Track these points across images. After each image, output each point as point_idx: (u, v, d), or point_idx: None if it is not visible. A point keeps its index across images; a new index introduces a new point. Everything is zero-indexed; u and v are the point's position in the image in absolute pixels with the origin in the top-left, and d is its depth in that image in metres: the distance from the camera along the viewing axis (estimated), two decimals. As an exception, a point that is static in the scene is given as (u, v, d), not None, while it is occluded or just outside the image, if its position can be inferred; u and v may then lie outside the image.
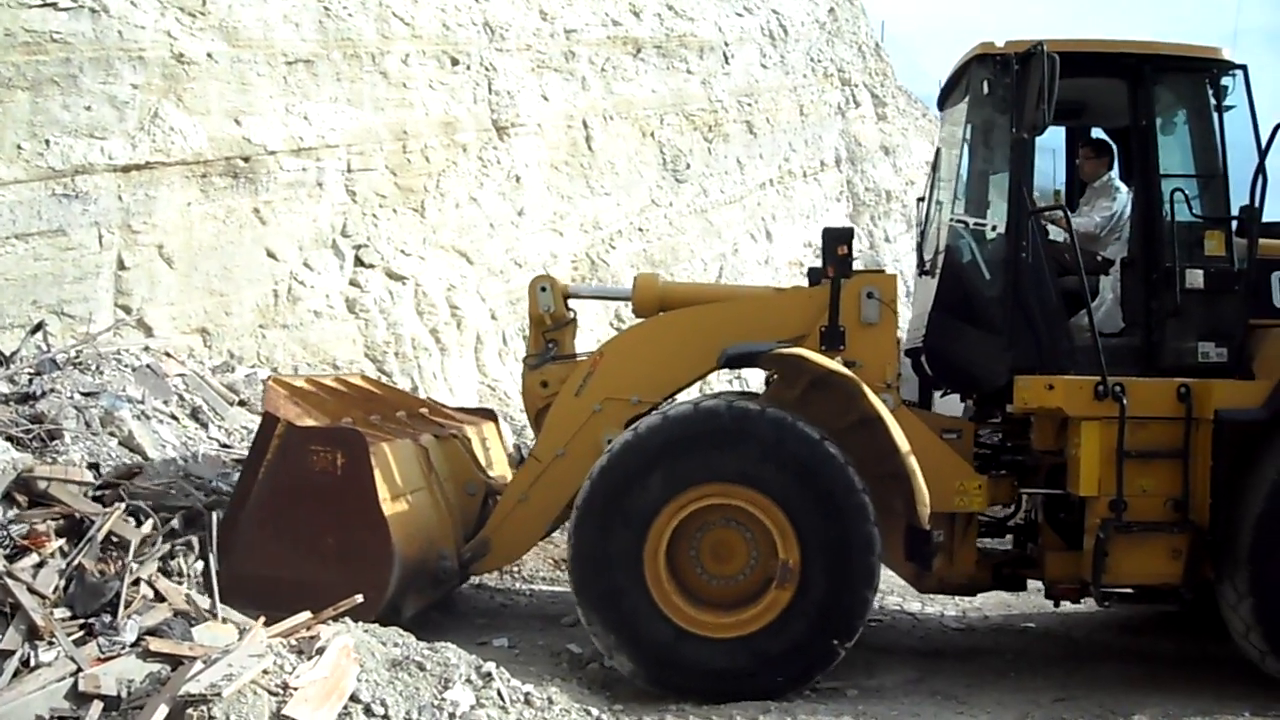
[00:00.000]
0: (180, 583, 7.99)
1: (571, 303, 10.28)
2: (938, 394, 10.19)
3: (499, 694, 7.21)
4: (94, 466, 8.96)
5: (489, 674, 7.31)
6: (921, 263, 10.46)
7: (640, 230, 20.61)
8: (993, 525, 10.14)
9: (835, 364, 8.68)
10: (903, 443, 8.50)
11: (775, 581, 8.41)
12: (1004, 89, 9.18)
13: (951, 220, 9.66)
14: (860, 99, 27.42)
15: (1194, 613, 9.88)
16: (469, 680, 7.19)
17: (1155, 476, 8.88)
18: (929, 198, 10.41)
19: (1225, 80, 9.38)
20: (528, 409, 10.25)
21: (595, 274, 19.15)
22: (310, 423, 8.83)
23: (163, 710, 5.87)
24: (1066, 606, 10.16)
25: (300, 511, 8.50)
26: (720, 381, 15.44)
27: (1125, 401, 8.80)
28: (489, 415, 11.60)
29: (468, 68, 16.96)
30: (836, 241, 9.17)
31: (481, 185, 17.03)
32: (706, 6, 22.99)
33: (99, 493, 8.63)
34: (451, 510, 9.58)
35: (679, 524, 8.54)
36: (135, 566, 7.70)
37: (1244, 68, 9.33)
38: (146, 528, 8.24)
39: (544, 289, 10.01)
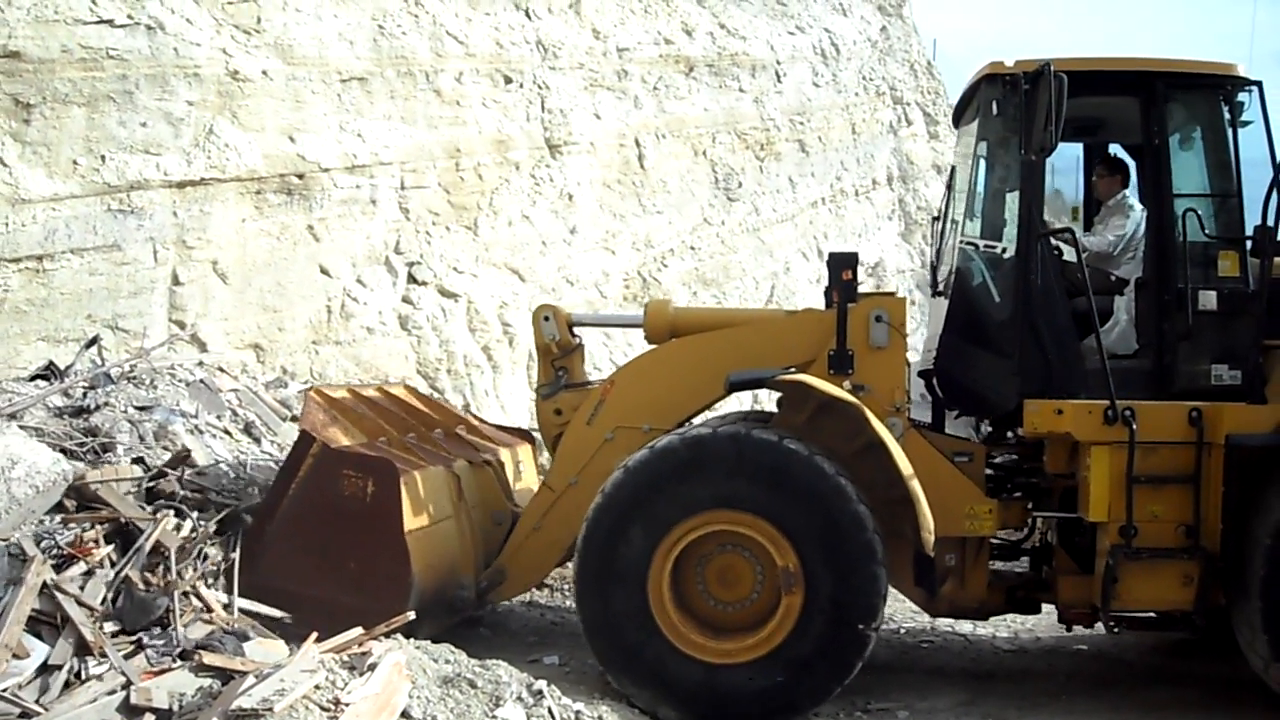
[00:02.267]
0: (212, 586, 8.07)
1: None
2: (951, 415, 10.10)
3: (550, 712, 7.20)
4: (139, 461, 9.04)
5: (540, 692, 7.30)
6: (935, 284, 10.40)
7: (692, 249, 20.58)
8: (1007, 548, 10.07)
9: (838, 389, 8.68)
10: (906, 468, 8.46)
11: (782, 589, 8.36)
12: (1013, 109, 9.08)
13: (962, 242, 9.60)
14: (912, 117, 27.33)
15: (1220, 637, 9.75)
16: (520, 698, 7.18)
17: (1166, 502, 8.76)
18: (944, 217, 10.33)
19: (1241, 97, 9.25)
20: (544, 437, 10.28)
21: (647, 292, 19.12)
22: (346, 443, 8.93)
23: (215, 724, 5.87)
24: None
25: (326, 532, 8.61)
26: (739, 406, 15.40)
27: (1135, 426, 8.68)
28: (526, 436, 11.60)
29: (520, 86, 16.99)
30: (842, 266, 9.25)
31: (534, 203, 17.05)
32: (759, 25, 22.98)
33: (152, 483, 8.76)
34: (476, 539, 9.62)
35: (676, 563, 8.55)
36: (181, 579, 7.74)
37: (1259, 84, 9.18)
38: (186, 529, 8.30)
39: (547, 318, 10.09)
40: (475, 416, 12.15)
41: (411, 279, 14.94)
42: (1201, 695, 9.13)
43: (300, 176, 13.39)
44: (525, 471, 11.05)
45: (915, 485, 8.44)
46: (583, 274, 17.85)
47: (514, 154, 16.77)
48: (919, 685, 9.63)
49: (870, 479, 8.51)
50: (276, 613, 8.18)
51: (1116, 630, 9.30)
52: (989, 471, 9.70)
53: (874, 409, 8.72)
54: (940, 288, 10.03)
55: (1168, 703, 9.08)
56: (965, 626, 11.34)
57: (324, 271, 13.68)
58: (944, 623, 11.44)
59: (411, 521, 8.61)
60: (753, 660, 8.40)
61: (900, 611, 11.12)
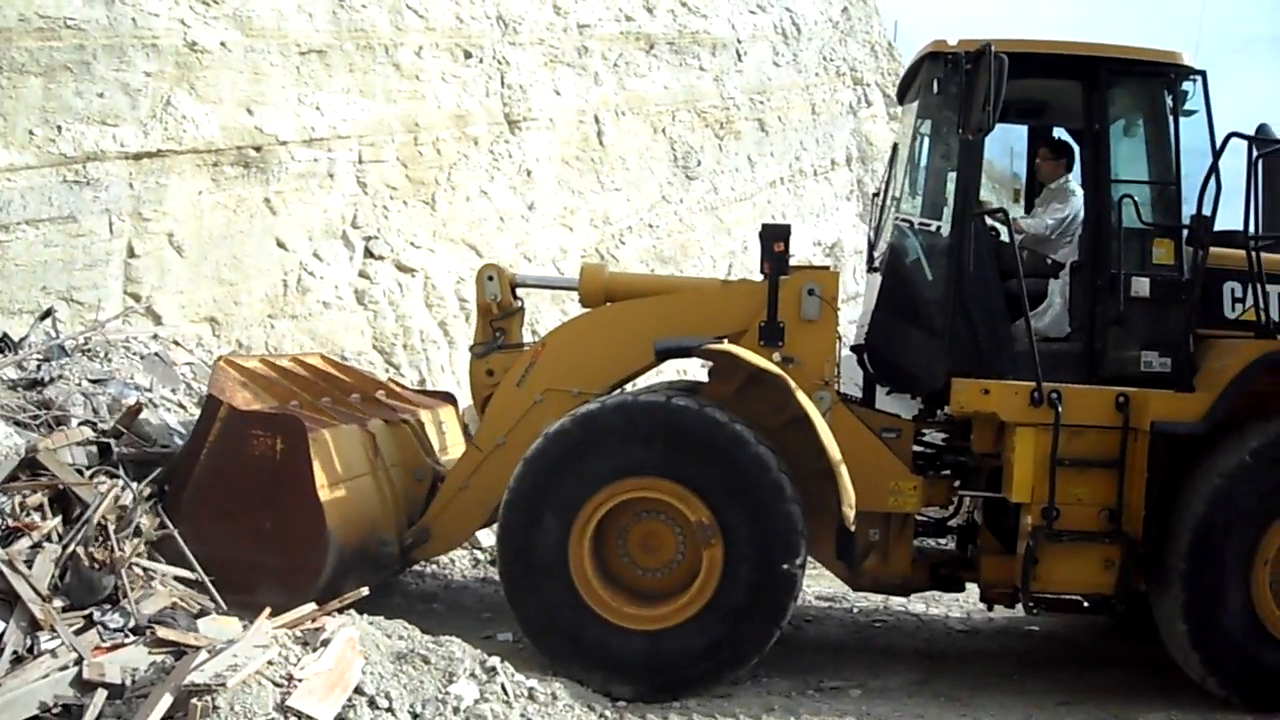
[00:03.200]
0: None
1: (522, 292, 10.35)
2: (883, 390, 10.16)
3: (503, 688, 7.23)
4: (89, 424, 9.03)
5: (493, 668, 7.33)
6: (871, 260, 10.43)
7: (650, 226, 20.59)
8: (933, 525, 10.17)
9: (764, 360, 8.71)
10: (829, 442, 8.52)
11: (702, 545, 8.41)
12: (954, 88, 9.09)
13: (897, 218, 9.63)
14: (872, 98, 27.38)
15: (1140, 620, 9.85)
16: (473, 674, 7.22)
17: (1090, 485, 8.86)
18: (884, 194, 10.36)
19: (1185, 86, 9.29)
20: (474, 397, 10.25)
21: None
22: (254, 406, 8.90)
23: (167, 700, 5.87)
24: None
25: (240, 494, 8.63)
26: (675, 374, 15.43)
27: (1060, 409, 8.76)
28: (448, 399, 11.61)
29: (480, 61, 16.95)
30: (774, 238, 9.25)
31: (492, 179, 17.03)
32: (720, 4, 22.95)
33: (105, 439, 8.81)
34: (396, 496, 9.65)
35: (597, 541, 8.64)
36: (123, 552, 7.74)
37: (1203, 73, 9.22)
38: (127, 498, 8.30)
39: (490, 278, 10.05)
40: (396, 383, 12.15)
41: (368, 253, 14.90)
42: (1152, 679, 9.21)
43: (257, 149, 13.33)
44: (448, 431, 11.08)
45: (838, 459, 8.49)
46: (540, 250, 17.83)
47: (473, 129, 16.73)
48: (872, 664, 9.71)
49: (797, 451, 8.57)
50: (204, 578, 8.19)
51: (1036, 611, 9.36)
52: (919, 449, 9.77)
53: (802, 382, 8.80)
54: (876, 264, 10.07)
55: (1119, 685, 9.18)
56: (918, 606, 11.43)
57: (280, 245, 13.63)
58: (897, 602, 11.54)
59: (324, 478, 8.65)
60: (690, 619, 8.45)
61: (854, 591, 11.19)
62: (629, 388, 9.77)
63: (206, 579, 8.08)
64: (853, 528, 8.66)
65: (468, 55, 16.75)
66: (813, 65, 25.72)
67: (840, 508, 8.48)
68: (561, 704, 7.64)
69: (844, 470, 8.48)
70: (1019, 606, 9.40)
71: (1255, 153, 8.92)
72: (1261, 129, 9.41)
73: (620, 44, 20.14)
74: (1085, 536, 8.86)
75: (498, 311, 10.10)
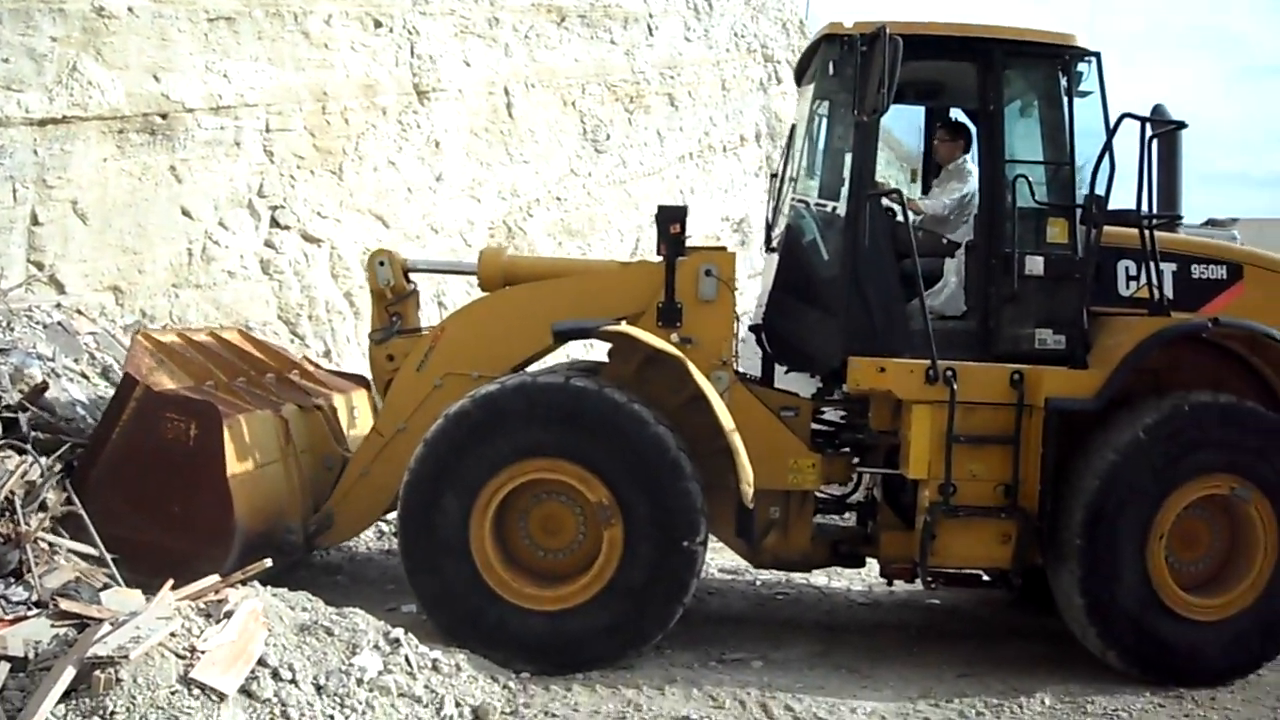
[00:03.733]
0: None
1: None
2: (782, 370, 10.28)
3: (407, 660, 7.30)
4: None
5: (397, 640, 7.40)
6: (769, 240, 10.55)
7: (558, 199, 20.59)
8: (834, 503, 10.33)
9: (660, 341, 8.82)
10: (726, 420, 8.63)
11: (603, 525, 8.52)
12: (850, 69, 9.18)
13: (794, 199, 9.75)
14: (783, 75, 27.43)
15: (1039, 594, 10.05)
16: (377, 646, 7.27)
17: (986, 461, 9.04)
18: (782, 175, 10.47)
19: (1080, 68, 9.44)
20: (375, 383, 10.34)
21: (512, 242, 19.13)
22: (170, 386, 8.87)
23: (70, 672, 5.88)
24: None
25: (150, 476, 8.63)
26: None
27: (955, 386, 8.92)
28: (362, 382, 11.60)
29: (390, 30, 16.84)
30: (669, 220, 9.35)
31: (400, 149, 16.95)
32: (632, -23, 22.95)
33: (12, 414, 8.79)
34: (305, 483, 9.70)
35: (498, 522, 8.74)
36: (29, 527, 7.70)
37: (1098, 55, 9.39)
38: (35, 473, 8.26)
39: (382, 263, 10.11)
40: (311, 361, 12.12)
41: (274, 223, 14.80)
42: (1051, 652, 9.42)
43: (164, 116, 13.20)
44: (360, 417, 11.09)
45: (735, 437, 8.61)
46: (448, 222, 17.79)
47: (381, 99, 16.65)
48: (773, 636, 9.85)
49: (696, 431, 8.70)
50: (106, 555, 8.17)
51: (934, 585, 9.59)
52: (818, 427, 9.92)
53: (700, 362, 8.90)
54: (774, 244, 10.19)
55: (1018, 658, 9.36)
56: (820, 579, 11.60)
57: (186, 214, 13.51)
58: (799, 575, 11.70)
59: (235, 465, 8.67)
60: (592, 599, 8.56)
61: (755, 568, 11.32)
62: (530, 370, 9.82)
63: (108, 556, 8.06)
64: (751, 505, 8.80)
65: (377, 24, 16.65)
66: (724, 41, 25.77)
67: (739, 485, 8.60)
68: (465, 675, 7.73)
69: (741, 448, 8.60)
70: (919, 581, 9.55)
71: (1148, 132, 9.11)
72: (1157, 109, 9.61)
73: (531, 16, 20.09)
74: (982, 512, 9.06)
75: (392, 296, 10.13)
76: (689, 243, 9.47)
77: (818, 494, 9.88)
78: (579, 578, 8.61)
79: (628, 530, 8.48)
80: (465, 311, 10.21)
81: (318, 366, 11.95)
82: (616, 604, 8.52)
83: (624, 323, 9.04)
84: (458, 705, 7.34)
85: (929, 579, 9.39)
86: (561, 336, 9.26)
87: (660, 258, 9.39)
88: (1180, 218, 10.10)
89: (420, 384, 9.59)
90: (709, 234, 23.76)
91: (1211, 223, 10.77)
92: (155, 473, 8.63)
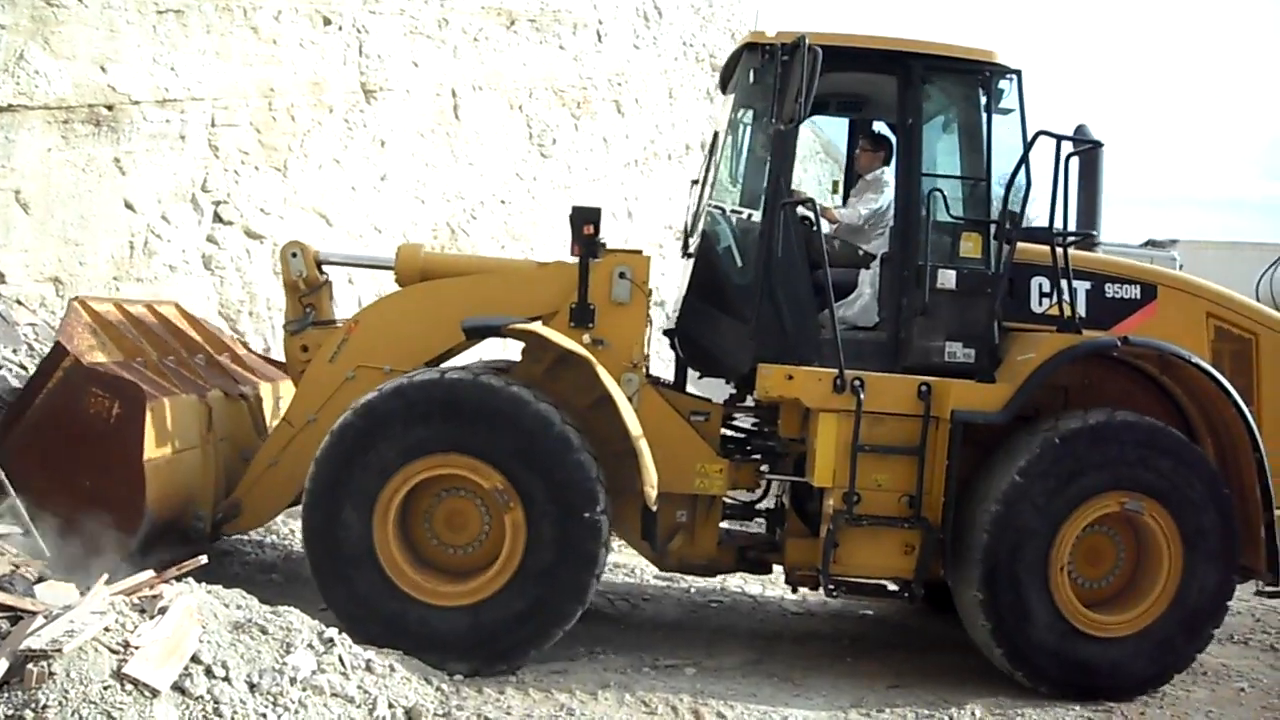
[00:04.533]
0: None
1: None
2: (695, 375, 10.35)
3: (340, 660, 7.32)
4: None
5: (331, 640, 7.42)
6: (686, 246, 10.64)
7: (502, 202, 20.60)
8: (742, 509, 10.43)
9: (568, 341, 8.90)
10: (632, 422, 8.74)
11: (502, 510, 8.58)
12: (770, 78, 9.30)
13: (710, 205, 9.83)
14: (729, 85, 27.56)
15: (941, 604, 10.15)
16: (311, 645, 7.29)
17: (891, 471, 9.17)
18: (703, 182, 10.51)
19: (1002, 85, 9.59)
20: (290, 373, 10.39)
21: (455, 243, 19.13)
22: (100, 359, 8.85)
23: (2, 665, 5.90)
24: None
25: (67, 447, 8.62)
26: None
27: (863, 395, 9.04)
28: None
29: (340, 29, 16.79)
30: (583, 221, 9.40)
31: (346, 148, 16.91)
32: (582, -16, 22.99)
33: None
34: (219, 471, 9.67)
35: (402, 527, 8.83)
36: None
37: (1019, 72, 9.55)
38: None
39: (295, 254, 10.16)
40: (244, 345, 12.09)
41: (217, 218, 14.72)
42: (982, 664, 9.51)
43: (110, 108, 13.11)
44: (285, 407, 11.02)
45: (639, 439, 8.71)
46: (391, 222, 17.75)
47: (328, 97, 16.60)
48: (706, 643, 9.94)
49: (604, 433, 8.80)
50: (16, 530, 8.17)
51: (835, 594, 9.64)
52: (730, 433, 10.02)
53: (611, 364, 9.04)
54: (690, 250, 10.26)
55: (950, 669, 9.48)
56: (754, 588, 11.69)
57: (129, 206, 13.42)
58: (733, 583, 11.78)
59: (153, 449, 8.66)
60: (505, 586, 8.62)
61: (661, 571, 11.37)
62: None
63: (30, 521, 8.07)
64: (654, 507, 8.90)
65: (327, 22, 16.59)
66: (672, 50, 25.87)
67: (643, 488, 8.67)
68: (399, 676, 7.76)
69: (646, 450, 8.70)
70: (821, 590, 9.63)
71: (1062, 150, 9.22)
72: (1080, 130, 9.75)
73: (481, 19, 20.08)
74: (885, 521, 9.20)
75: (305, 288, 10.15)
76: (625, 246, 9.55)
77: (727, 500, 9.98)
78: (490, 568, 8.66)
79: (528, 511, 8.55)
80: (380, 304, 10.24)
81: (250, 351, 11.92)
82: (530, 587, 8.58)
83: (539, 323, 9.09)
84: (390, 706, 7.36)
85: (831, 587, 9.45)
86: (471, 333, 9.28)
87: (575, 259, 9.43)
88: (1092, 235, 10.23)
89: (332, 375, 9.63)
90: (652, 241, 23.86)
91: (1151, 243, 10.96)
92: (72, 445, 8.63)
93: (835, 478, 9.14)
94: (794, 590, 10.55)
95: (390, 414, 8.58)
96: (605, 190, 23.26)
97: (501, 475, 8.55)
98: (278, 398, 11.01)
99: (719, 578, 11.71)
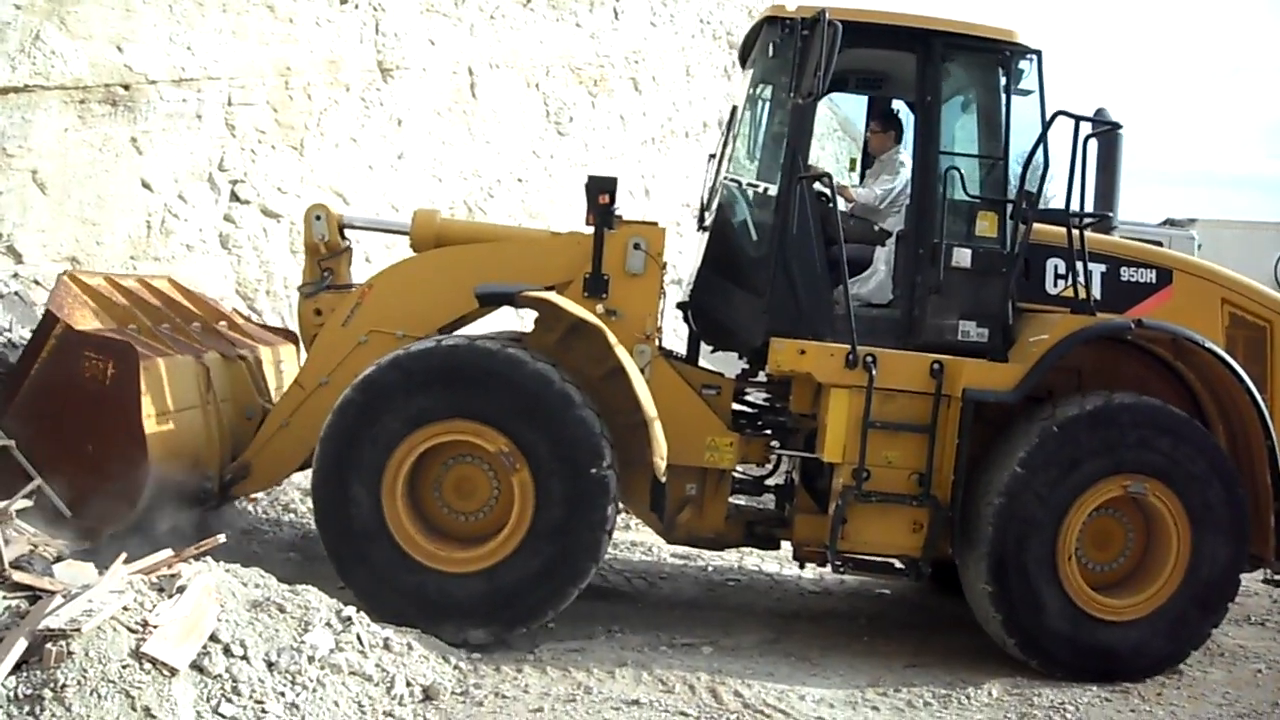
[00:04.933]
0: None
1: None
2: (708, 350, 10.36)
3: (358, 638, 7.33)
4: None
5: (349, 618, 7.43)
6: (701, 219, 10.60)
7: (520, 181, 20.58)
8: (753, 483, 10.42)
9: (582, 310, 8.88)
10: (642, 392, 8.72)
11: (510, 472, 8.59)
12: (790, 52, 9.27)
13: (726, 178, 9.81)
14: (746, 62, 27.48)
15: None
16: (329, 624, 7.31)
17: (901, 449, 9.15)
18: (720, 156, 10.48)
19: (1022, 65, 9.52)
20: (302, 336, 10.37)
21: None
22: (91, 326, 8.84)
23: (21, 644, 5.90)
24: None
25: (66, 413, 8.63)
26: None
27: (875, 372, 9.01)
28: (291, 337, 11.60)
29: (356, 7, 16.78)
30: (599, 190, 9.36)
31: (363, 126, 16.91)
32: (599, -39, 22.93)
33: None
34: (224, 432, 9.67)
35: (412, 498, 8.83)
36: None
37: (1039, 53, 9.48)
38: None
39: (319, 217, 10.14)
40: (240, 314, 12.08)
41: (234, 197, 14.74)
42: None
43: (126, 88, 13.13)
44: (286, 371, 11.05)
45: (650, 409, 8.72)
46: (408, 200, 17.70)
47: (345, 75, 16.60)
48: (724, 622, 9.93)
49: (616, 404, 8.79)
50: (43, 484, 8.21)
51: (843, 570, 9.62)
52: (744, 408, 10.02)
53: (624, 335, 9.00)
54: (706, 223, 10.24)
55: (966, 649, 9.44)
56: (771, 566, 11.66)
57: (145, 186, 13.44)
58: (751, 561, 11.77)
59: (151, 407, 8.66)
60: (519, 547, 8.63)
61: (668, 544, 11.40)
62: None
63: (45, 485, 8.12)
64: (663, 478, 8.89)
65: (343, 1, 16.60)
66: (689, 27, 25.81)
67: (652, 458, 8.66)
68: (416, 654, 7.77)
69: (656, 421, 8.71)
70: (829, 566, 9.62)
71: (1080, 131, 9.17)
72: (1099, 112, 9.70)
73: (497, -3, 20.07)
74: (894, 499, 9.17)
75: (325, 251, 10.17)
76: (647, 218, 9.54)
77: (737, 475, 9.97)
78: (502, 530, 8.67)
79: (535, 471, 8.55)
80: (394, 270, 10.19)
81: (247, 319, 11.92)
82: (544, 545, 8.59)
83: (553, 292, 9.09)
84: (408, 684, 7.38)
85: (839, 563, 9.44)
86: (484, 299, 9.27)
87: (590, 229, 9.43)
88: (1109, 217, 10.17)
89: (345, 339, 9.62)
90: (669, 219, 23.80)
91: (1170, 222, 10.91)
92: (72, 410, 8.64)
93: (845, 453, 9.13)
94: (800, 566, 10.55)
95: (390, 386, 8.58)
96: (622, 168, 23.19)
97: (505, 437, 8.56)
98: (278, 361, 11.00)
99: (736, 556, 11.72)
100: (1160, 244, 12.50)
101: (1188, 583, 9.00)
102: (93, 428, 8.63)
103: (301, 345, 10.85)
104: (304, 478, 10.57)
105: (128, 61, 13.13)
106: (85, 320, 8.90)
